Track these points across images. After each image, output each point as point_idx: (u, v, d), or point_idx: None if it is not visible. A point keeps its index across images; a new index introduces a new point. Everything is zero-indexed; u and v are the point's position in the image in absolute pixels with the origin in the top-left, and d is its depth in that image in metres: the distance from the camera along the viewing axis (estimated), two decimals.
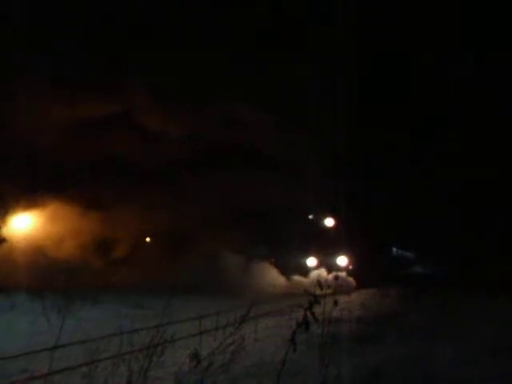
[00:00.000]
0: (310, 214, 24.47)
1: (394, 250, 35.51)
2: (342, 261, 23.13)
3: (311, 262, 23.31)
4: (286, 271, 22.47)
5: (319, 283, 5.11)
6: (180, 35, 21.18)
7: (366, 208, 23.65)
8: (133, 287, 17.20)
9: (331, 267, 22.29)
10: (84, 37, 20.37)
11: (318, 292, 4.90)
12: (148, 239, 24.90)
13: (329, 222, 24.04)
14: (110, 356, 5.83)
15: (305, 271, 22.87)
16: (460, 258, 32.26)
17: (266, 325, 10.47)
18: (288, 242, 22.59)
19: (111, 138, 22.31)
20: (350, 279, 21.34)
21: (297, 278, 22.30)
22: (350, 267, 22.98)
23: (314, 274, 21.66)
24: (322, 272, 21.99)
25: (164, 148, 23.27)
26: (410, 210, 29.63)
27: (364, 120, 22.52)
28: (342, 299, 12.80)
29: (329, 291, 5.61)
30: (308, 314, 5.04)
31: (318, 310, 4.93)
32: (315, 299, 4.89)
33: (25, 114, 19.70)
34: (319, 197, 22.55)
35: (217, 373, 5.97)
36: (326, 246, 22.99)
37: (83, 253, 21.76)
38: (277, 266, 22.51)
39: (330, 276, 20.58)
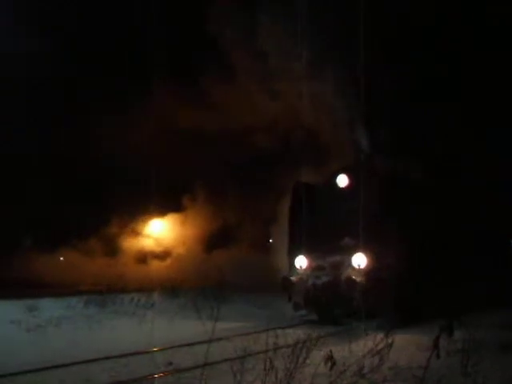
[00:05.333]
0: None
1: None
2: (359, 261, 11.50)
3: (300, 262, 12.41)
4: None
5: None
6: None
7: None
8: (255, 288, 17.33)
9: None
10: None
11: None
12: (271, 240, 25.24)
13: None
14: (256, 352, 6.12)
15: None
16: None
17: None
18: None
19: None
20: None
21: None
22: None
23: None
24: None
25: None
26: None
27: None
28: None
29: None
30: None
31: None
32: (460, 306, 4.69)
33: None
34: None
35: (353, 377, 5.96)
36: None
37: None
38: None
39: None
